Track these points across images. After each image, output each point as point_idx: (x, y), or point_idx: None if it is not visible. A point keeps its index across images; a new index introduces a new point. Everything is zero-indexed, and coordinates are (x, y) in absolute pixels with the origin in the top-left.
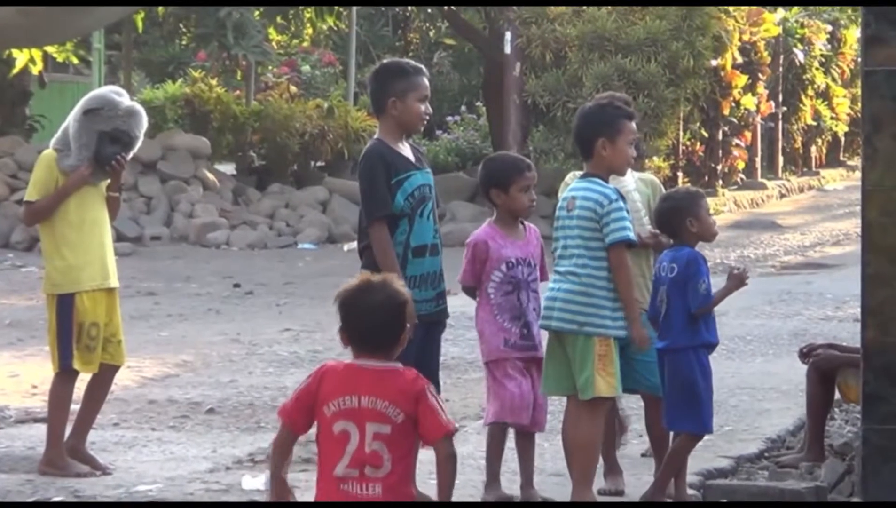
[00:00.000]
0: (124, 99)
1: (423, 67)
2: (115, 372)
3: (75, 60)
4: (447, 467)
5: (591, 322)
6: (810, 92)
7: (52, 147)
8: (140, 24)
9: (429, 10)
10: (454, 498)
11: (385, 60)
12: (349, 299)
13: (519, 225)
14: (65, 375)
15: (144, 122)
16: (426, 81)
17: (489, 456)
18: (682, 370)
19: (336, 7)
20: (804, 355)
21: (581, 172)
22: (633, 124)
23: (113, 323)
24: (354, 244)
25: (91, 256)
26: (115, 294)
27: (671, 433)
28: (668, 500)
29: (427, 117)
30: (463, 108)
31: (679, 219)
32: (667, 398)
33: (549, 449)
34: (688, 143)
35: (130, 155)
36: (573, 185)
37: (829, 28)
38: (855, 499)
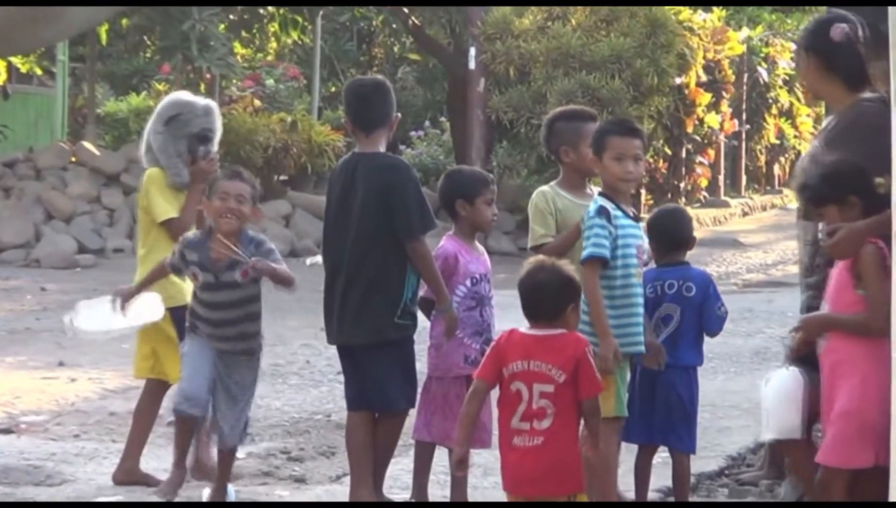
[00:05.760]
0: (198, 98)
1: None
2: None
3: (39, 71)
4: (591, 420)
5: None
6: (774, 111)
7: (151, 166)
8: (104, 37)
9: (394, 26)
10: None
11: (378, 77)
12: (524, 278)
13: (476, 240)
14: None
15: (220, 116)
16: None
17: (418, 470)
18: (684, 388)
19: (301, 21)
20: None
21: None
22: (625, 140)
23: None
24: (318, 258)
25: None
26: None
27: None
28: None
29: None
30: (427, 123)
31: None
32: (658, 414)
33: None
34: (651, 160)
35: (214, 152)
36: None
37: (794, 47)
38: None
